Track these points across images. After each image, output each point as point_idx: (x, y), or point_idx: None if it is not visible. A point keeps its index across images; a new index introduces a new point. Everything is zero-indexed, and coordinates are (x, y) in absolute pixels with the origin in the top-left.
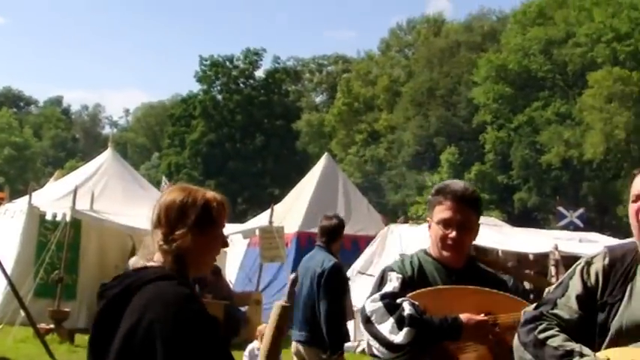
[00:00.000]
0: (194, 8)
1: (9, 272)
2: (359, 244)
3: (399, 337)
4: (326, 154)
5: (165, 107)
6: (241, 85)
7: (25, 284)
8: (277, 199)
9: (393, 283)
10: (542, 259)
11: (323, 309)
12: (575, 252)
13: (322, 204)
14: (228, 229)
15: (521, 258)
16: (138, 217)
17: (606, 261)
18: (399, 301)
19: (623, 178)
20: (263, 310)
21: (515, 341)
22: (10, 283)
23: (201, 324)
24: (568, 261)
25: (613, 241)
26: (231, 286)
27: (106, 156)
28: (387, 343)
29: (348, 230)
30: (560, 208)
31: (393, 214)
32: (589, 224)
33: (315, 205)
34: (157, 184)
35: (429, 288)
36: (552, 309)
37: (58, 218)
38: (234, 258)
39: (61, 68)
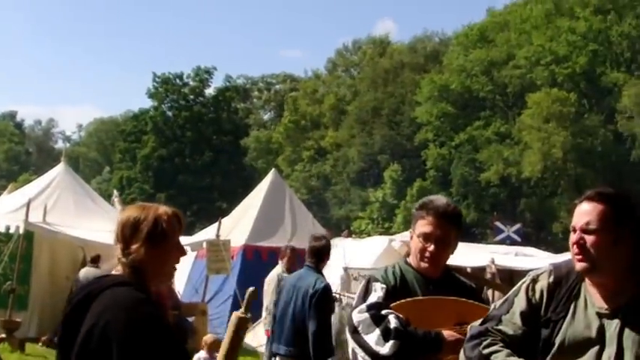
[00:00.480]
0: (149, 26)
1: None
2: (304, 258)
3: (385, 349)
4: (273, 170)
5: (117, 123)
6: (191, 102)
7: None
8: (225, 213)
9: (377, 293)
10: (479, 272)
11: (312, 327)
12: (511, 265)
13: (269, 219)
14: None
15: (458, 271)
16: (89, 230)
17: (551, 279)
18: (384, 312)
19: (560, 196)
20: (209, 321)
21: (461, 356)
22: None
23: (154, 326)
24: (504, 274)
25: (548, 256)
26: (179, 296)
27: (59, 170)
28: (373, 353)
29: (294, 244)
30: (498, 223)
31: (337, 228)
32: (526, 239)
33: (262, 220)
34: (109, 198)
35: (410, 299)
36: (497, 325)
37: (12, 230)
38: (182, 269)
39: (16, 83)
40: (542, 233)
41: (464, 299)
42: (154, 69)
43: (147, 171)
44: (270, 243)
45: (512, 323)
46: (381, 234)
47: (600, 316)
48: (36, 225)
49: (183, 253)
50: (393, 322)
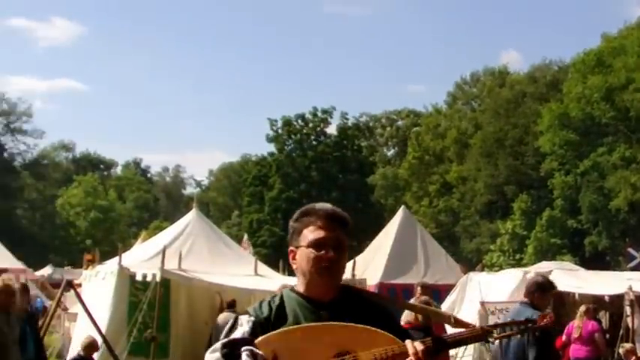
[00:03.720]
0: (272, 70)
1: (103, 332)
2: (440, 294)
3: None
4: (402, 207)
5: (243, 167)
6: (314, 142)
7: (119, 343)
8: (355, 251)
9: (243, 328)
10: (617, 300)
11: (532, 354)
12: None
13: (402, 255)
14: None
15: (597, 300)
16: (224, 275)
17: None
18: (242, 350)
19: None
20: None
21: None
22: (106, 343)
23: None
24: None
25: None
26: None
27: (191, 216)
28: None
29: (428, 279)
30: (630, 250)
31: (468, 262)
32: None
33: (395, 257)
34: (239, 242)
35: (279, 330)
36: None
37: (148, 278)
38: None
39: (141, 132)
40: None
41: (344, 323)
42: (278, 112)
43: (275, 213)
44: (404, 280)
45: None
46: (512, 266)
47: None
48: (172, 272)
49: None
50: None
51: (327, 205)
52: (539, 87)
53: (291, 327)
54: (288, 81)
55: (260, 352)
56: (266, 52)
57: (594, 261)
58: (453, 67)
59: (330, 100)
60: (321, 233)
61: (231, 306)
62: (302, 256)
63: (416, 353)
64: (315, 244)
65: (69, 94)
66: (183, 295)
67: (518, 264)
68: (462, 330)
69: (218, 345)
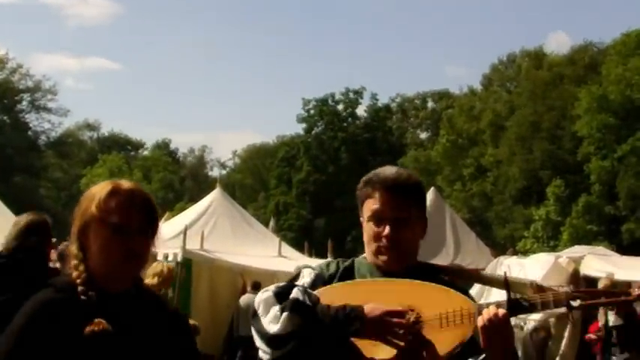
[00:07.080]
0: (299, 49)
1: None
2: None
3: (276, 326)
4: (432, 188)
5: (270, 148)
6: (344, 123)
7: None
8: None
9: (304, 280)
10: None
11: None
12: None
13: (430, 238)
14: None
15: (632, 286)
16: (248, 256)
17: None
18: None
19: None
20: None
21: None
22: None
23: None
24: None
25: None
26: None
27: (215, 196)
28: (264, 334)
29: (458, 263)
30: None
31: (501, 247)
32: None
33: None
34: (266, 224)
35: (341, 282)
36: None
37: (170, 258)
38: None
39: (170, 112)
40: None
41: (415, 281)
42: (305, 93)
43: (303, 196)
44: (433, 262)
45: None
46: (546, 252)
47: None
48: (194, 252)
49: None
50: (294, 293)
51: (389, 172)
52: (577, 69)
53: (355, 280)
54: (326, 61)
55: (312, 292)
56: (303, 30)
57: (632, 248)
58: (497, 49)
59: (366, 81)
60: (377, 206)
61: (257, 287)
62: (365, 230)
63: (490, 317)
64: (373, 219)
65: (101, 73)
66: (205, 276)
67: (553, 250)
68: (543, 293)
69: (272, 286)
